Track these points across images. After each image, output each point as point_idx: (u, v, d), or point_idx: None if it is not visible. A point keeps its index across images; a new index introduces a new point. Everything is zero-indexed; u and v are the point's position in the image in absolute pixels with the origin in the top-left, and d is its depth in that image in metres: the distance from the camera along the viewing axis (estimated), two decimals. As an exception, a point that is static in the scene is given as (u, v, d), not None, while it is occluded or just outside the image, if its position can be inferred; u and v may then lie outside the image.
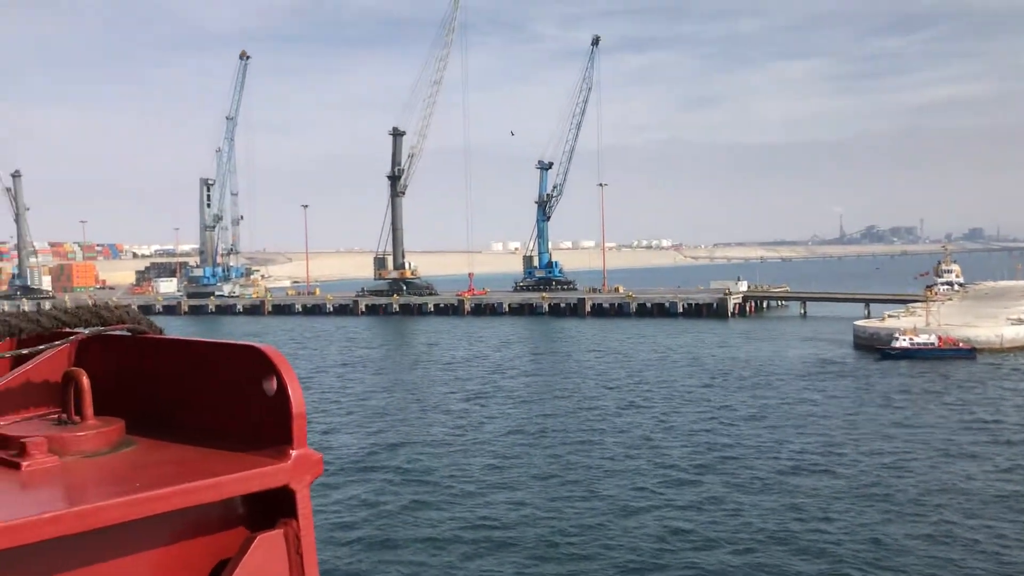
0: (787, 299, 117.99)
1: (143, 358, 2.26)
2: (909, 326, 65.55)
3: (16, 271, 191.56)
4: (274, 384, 1.88)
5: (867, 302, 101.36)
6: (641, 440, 38.01)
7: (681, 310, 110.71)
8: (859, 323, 74.78)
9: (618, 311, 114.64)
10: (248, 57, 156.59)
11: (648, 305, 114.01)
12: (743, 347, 73.66)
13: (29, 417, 2.14)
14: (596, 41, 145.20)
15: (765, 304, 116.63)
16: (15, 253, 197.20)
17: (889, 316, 77.24)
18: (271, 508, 1.87)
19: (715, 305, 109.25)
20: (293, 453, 1.86)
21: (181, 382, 2.14)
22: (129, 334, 2.31)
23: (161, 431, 2.08)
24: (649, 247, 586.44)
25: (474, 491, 30.63)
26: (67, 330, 2.28)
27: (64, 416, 2.01)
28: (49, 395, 2.19)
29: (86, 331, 2.27)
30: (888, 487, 29.93)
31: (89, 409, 2.00)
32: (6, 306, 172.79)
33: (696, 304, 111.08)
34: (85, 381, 2.00)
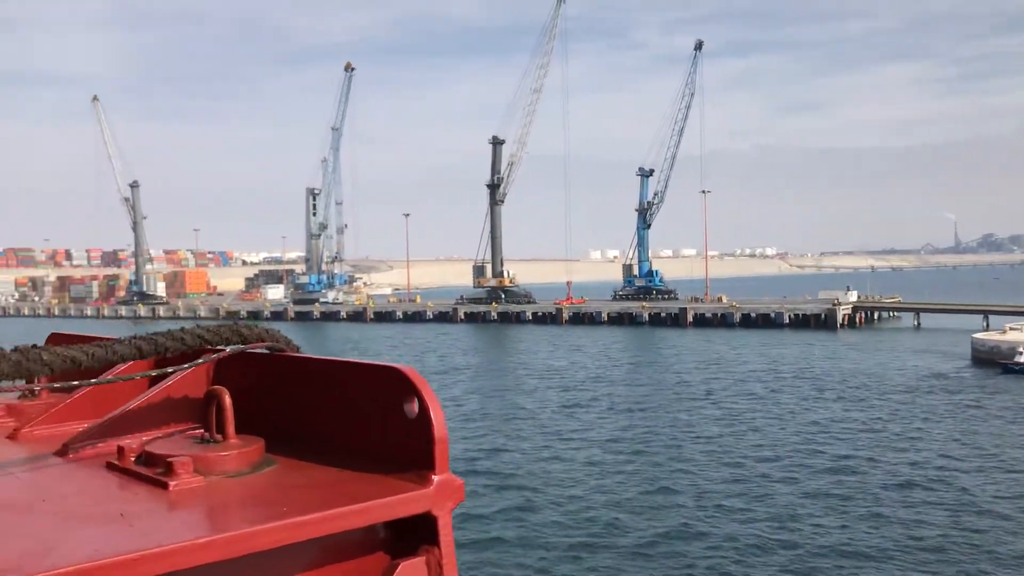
0: (899, 310, 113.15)
1: (282, 376, 2.25)
2: (1036, 340, 61.79)
3: (133, 277, 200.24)
4: (415, 406, 1.85)
5: (986, 314, 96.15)
6: (745, 453, 36.63)
7: (787, 321, 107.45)
8: (978, 336, 70.94)
9: (721, 321, 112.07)
10: (353, 69, 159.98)
11: (752, 315, 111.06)
12: (853, 359, 70.82)
13: (171, 433, 2.16)
14: (699, 46, 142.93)
15: (876, 315, 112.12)
16: (132, 260, 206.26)
17: (1011, 329, 72.99)
18: (412, 534, 1.84)
19: (823, 316, 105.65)
20: (435, 479, 1.83)
21: (320, 401, 2.12)
22: (268, 352, 2.32)
23: (299, 450, 2.07)
24: (753, 255, 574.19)
25: (581, 503, 29.96)
26: (210, 348, 2.29)
27: (206, 434, 2.03)
28: (190, 412, 2.22)
29: (227, 349, 2.28)
30: (1015, 515, 27.93)
31: (231, 428, 2.01)
32: (123, 311, 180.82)
33: (803, 315, 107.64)
34: (227, 400, 2.02)
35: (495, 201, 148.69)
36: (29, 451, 2.17)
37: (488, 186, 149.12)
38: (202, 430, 2.05)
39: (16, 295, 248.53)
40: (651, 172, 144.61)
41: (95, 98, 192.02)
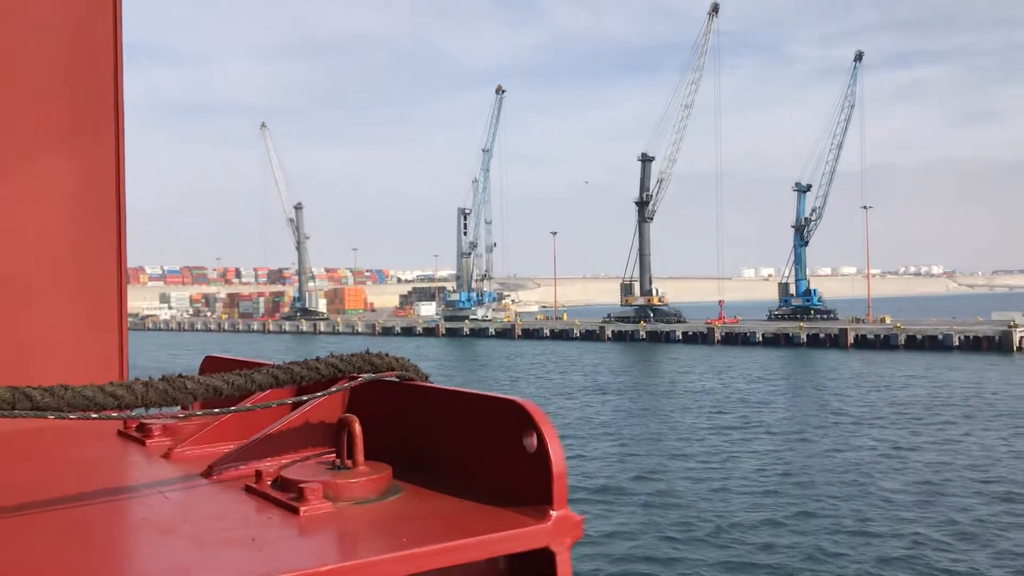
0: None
1: (410, 404, 2.30)
2: None
3: (296, 294, 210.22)
4: (535, 441, 1.84)
5: None
6: (913, 488, 34.43)
7: (956, 343, 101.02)
8: None
9: (884, 343, 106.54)
10: (503, 91, 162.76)
11: (918, 337, 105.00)
12: (1034, 387, 65.66)
13: (306, 458, 2.24)
14: (859, 57, 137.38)
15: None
16: (296, 278, 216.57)
17: None
18: (531, 569, 1.83)
19: (997, 338, 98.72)
20: (553, 514, 1.81)
21: (444, 430, 2.16)
22: (398, 380, 2.39)
23: (424, 478, 2.11)
24: (918, 274, 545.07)
25: (731, 532, 28.96)
26: (343, 376, 2.38)
27: (338, 461, 2.08)
28: (325, 438, 2.30)
29: (360, 377, 2.36)
30: None
31: (360, 455, 2.06)
32: (286, 326, 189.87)
33: (975, 337, 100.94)
34: (357, 428, 2.07)
35: (644, 218, 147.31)
36: (179, 471, 2.30)
37: (636, 203, 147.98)
38: (335, 456, 2.11)
39: (191, 310, 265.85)
40: (808, 187, 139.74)
41: (263, 125, 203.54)
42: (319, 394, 2.32)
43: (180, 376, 2.07)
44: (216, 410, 2.25)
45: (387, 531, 1.82)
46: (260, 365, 2.30)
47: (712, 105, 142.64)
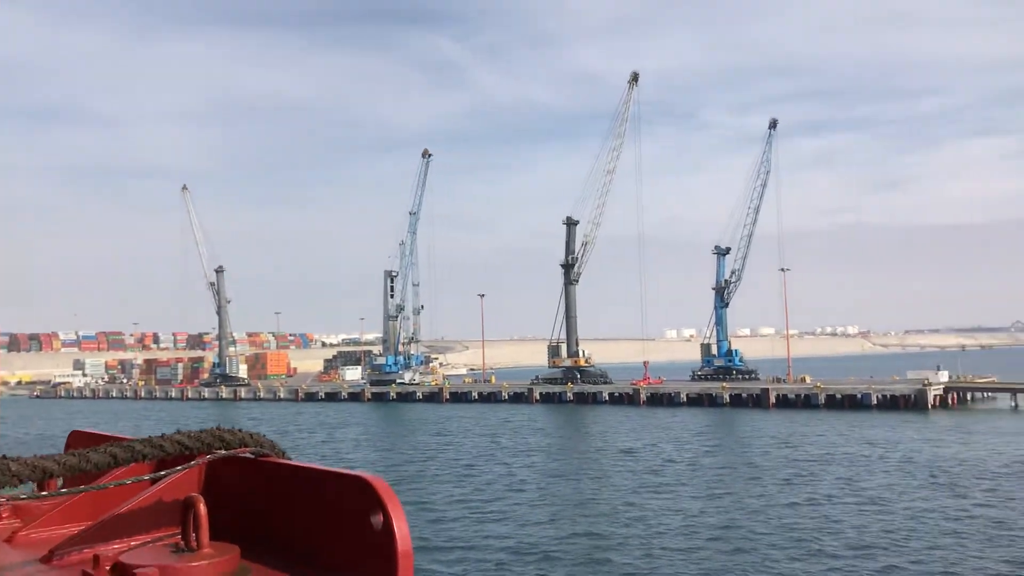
0: (995, 390, 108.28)
1: (262, 482, 2.27)
2: None
3: (216, 360, 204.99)
4: (381, 519, 1.84)
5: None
6: (839, 547, 34.69)
7: (875, 402, 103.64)
8: (1086, 419, 67.08)
9: (805, 402, 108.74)
10: (430, 155, 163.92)
11: (838, 396, 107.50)
12: (948, 444, 67.49)
13: (153, 540, 2.19)
14: (773, 124, 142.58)
15: (969, 396, 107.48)
16: (216, 343, 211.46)
17: (1122, 411, 68.91)
18: None
19: (913, 397, 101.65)
20: None
21: (295, 508, 2.12)
22: (252, 457, 2.35)
23: (275, 559, 2.07)
24: (834, 334, 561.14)
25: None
26: (192, 454, 2.34)
27: (182, 543, 2.03)
28: (174, 518, 2.22)
29: (210, 455, 2.32)
30: None
31: (205, 536, 2.00)
32: (205, 392, 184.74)
33: (891, 395, 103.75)
34: (202, 507, 2.01)
35: (570, 281, 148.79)
36: (20, 555, 2.20)
37: (563, 266, 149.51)
38: (180, 537, 2.05)
39: (106, 377, 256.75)
40: (727, 250, 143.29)
41: (184, 188, 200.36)
42: (165, 473, 2.26)
43: (39, 457, 2.02)
44: (66, 491, 2.20)
45: None
46: (122, 439, 2.26)
47: (634, 170, 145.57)
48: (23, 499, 2.69)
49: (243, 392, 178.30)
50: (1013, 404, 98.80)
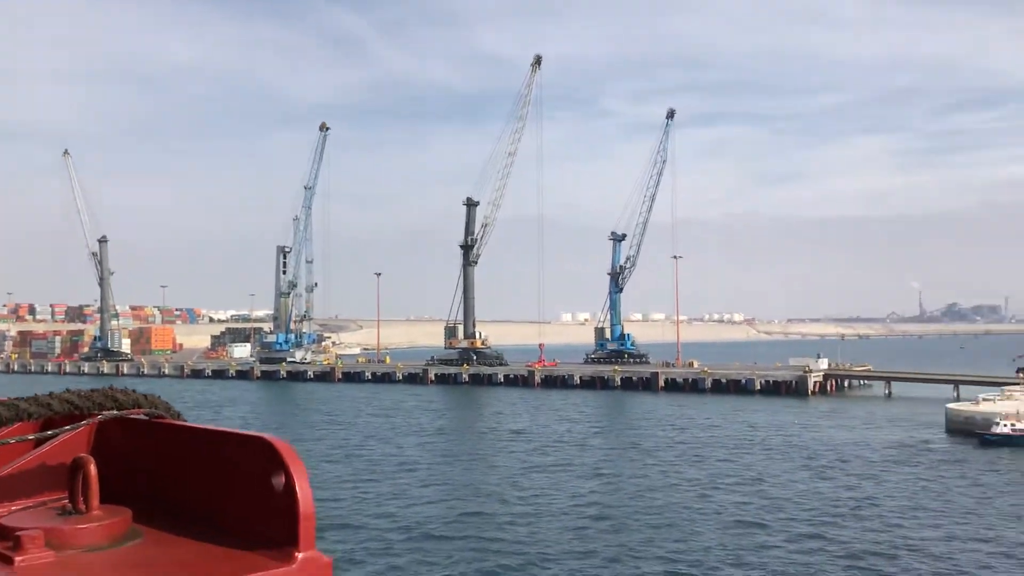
0: (870, 378, 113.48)
1: (157, 444, 2.21)
2: (1010, 410, 61.63)
3: (98, 333, 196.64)
4: (282, 480, 1.80)
5: (956, 383, 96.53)
6: (711, 524, 35.62)
7: (758, 387, 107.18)
8: (952, 406, 70.85)
9: (692, 386, 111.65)
10: (328, 128, 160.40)
11: (724, 381, 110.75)
12: (826, 429, 70.34)
13: (35, 505, 2.11)
14: (671, 114, 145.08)
15: (847, 383, 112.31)
16: (98, 316, 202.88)
17: (984, 399, 73.05)
18: None
19: (794, 383, 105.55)
20: (299, 556, 1.77)
21: (192, 471, 2.07)
22: (145, 418, 2.28)
23: (169, 522, 2.00)
24: (721, 321, 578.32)
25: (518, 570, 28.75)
26: (83, 414, 2.24)
27: (69, 506, 1.95)
28: (61, 481, 2.13)
29: (101, 415, 2.24)
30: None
31: (95, 499, 1.93)
32: (85, 367, 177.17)
33: (774, 381, 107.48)
34: (92, 469, 1.95)
35: (468, 262, 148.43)
36: None
37: (461, 247, 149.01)
38: (68, 500, 1.98)
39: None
40: (623, 237, 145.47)
41: (66, 152, 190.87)
42: (52, 433, 2.16)
43: None
44: None
45: None
46: (4, 400, 2.14)
47: (535, 154, 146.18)
48: None
49: (126, 367, 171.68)
50: (887, 392, 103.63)
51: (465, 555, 31.54)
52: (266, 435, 1.86)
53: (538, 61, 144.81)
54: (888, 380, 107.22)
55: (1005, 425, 58.11)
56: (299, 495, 1.77)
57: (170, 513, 2.03)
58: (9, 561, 1.74)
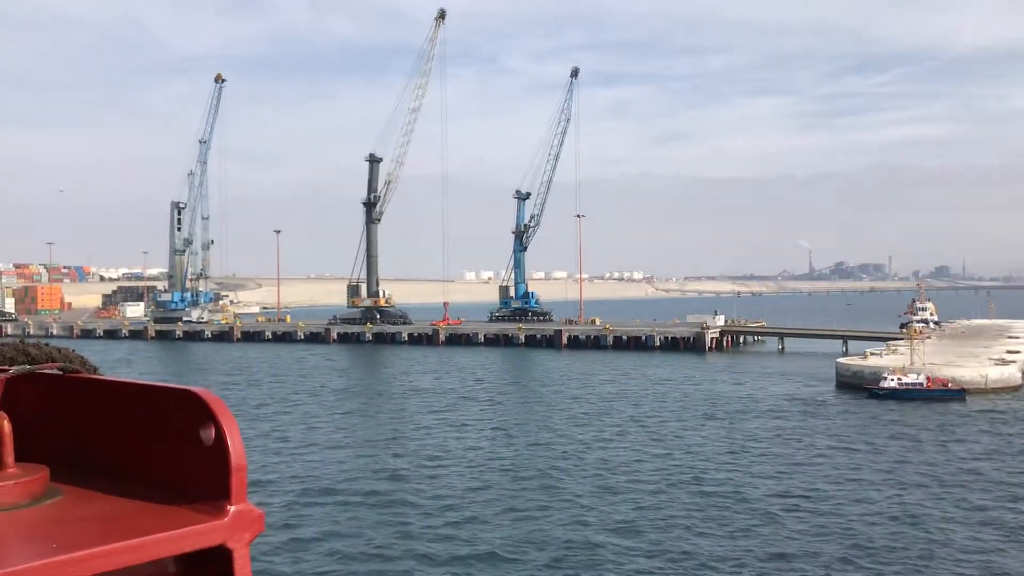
0: (764, 335, 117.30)
1: (74, 399, 2.13)
2: (896, 365, 64.61)
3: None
4: (212, 433, 1.75)
5: (845, 339, 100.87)
6: (611, 476, 36.38)
7: (658, 344, 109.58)
8: (842, 361, 73.90)
9: (595, 343, 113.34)
10: (224, 80, 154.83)
11: (624, 338, 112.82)
12: (722, 383, 72.49)
13: None
14: (575, 73, 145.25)
15: (742, 339, 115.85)
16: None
17: (872, 354, 76.42)
18: (207, 568, 1.76)
19: (692, 339, 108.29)
20: (231, 509, 1.74)
21: (114, 426, 2.01)
22: (60, 373, 2.19)
23: (90, 479, 1.95)
24: (621, 279, 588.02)
25: (435, 527, 28.83)
26: None
27: None
28: None
29: (12, 370, 2.16)
30: (899, 540, 28.52)
31: (9, 457, 1.86)
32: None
33: (673, 338, 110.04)
34: (6, 425, 1.88)
35: (372, 219, 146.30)
36: None
37: (364, 204, 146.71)
38: None
39: None
40: (528, 195, 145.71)
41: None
42: None
43: None
44: None
45: (36, 537, 1.67)
46: None
47: (438, 110, 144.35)
48: None
49: (10, 328, 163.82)
50: (780, 347, 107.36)
51: (373, 509, 31.40)
52: (194, 388, 1.82)
53: (442, 15, 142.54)
54: (781, 336, 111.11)
55: (892, 380, 60.89)
56: (230, 448, 1.74)
57: (91, 470, 1.98)
58: None
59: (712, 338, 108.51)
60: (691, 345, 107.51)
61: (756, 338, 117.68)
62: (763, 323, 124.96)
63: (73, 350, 2.28)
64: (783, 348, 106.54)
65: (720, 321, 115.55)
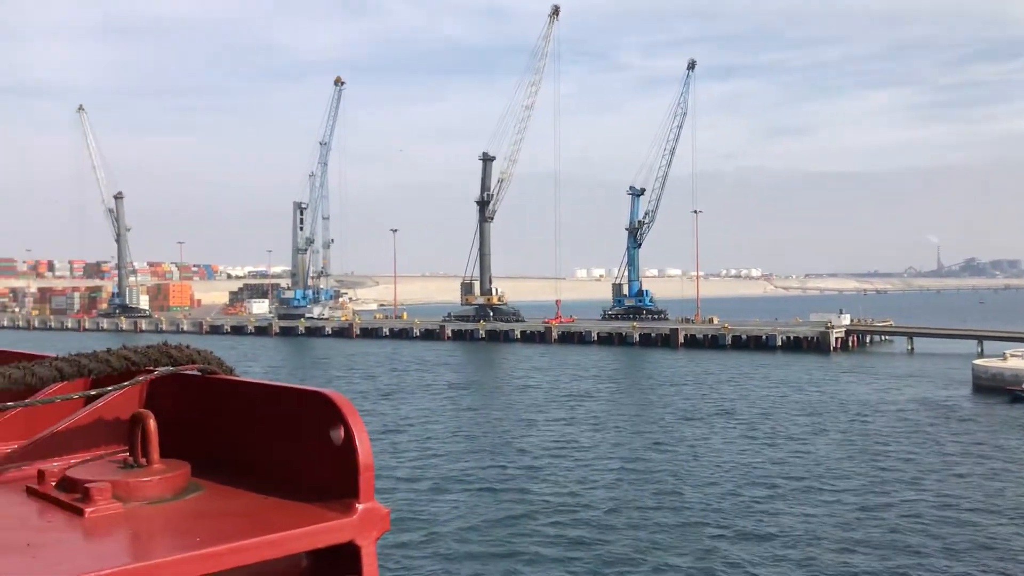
0: (892, 334, 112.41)
1: (212, 399, 2.23)
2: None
3: (116, 290, 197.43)
4: (341, 433, 1.82)
5: (980, 339, 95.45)
6: (734, 484, 35.13)
7: (779, 343, 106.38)
8: (979, 362, 69.90)
9: (712, 343, 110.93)
10: (343, 83, 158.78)
11: (744, 337, 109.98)
12: (851, 385, 69.67)
13: (98, 457, 2.14)
14: (692, 65, 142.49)
15: (868, 339, 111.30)
16: (115, 272, 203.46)
17: (1012, 355, 72.05)
18: (335, 564, 1.81)
19: (816, 339, 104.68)
20: (359, 507, 1.80)
21: (249, 425, 2.10)
22: (199, 374, 2.31)
23: (227, 475, 2.04)
24: (738, 276, 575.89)
25: (548, 532, 28.37)
26: (139, 369, 2.29)
27: (131, 459, 2.00)
28: (118, 435, 2.20)
29: (157, 371, 2.28)
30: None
31: (155, 453, 1.98)
32: (104, 323, 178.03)
33: (795, 337, 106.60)
34: (152, 423, 1.99)
35: (484, 218, 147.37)
36: None
37: (478, 203, 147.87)
38: (128, 454, 2.03)
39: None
40: (642, 191, 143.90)
41: (80, 108, 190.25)
42: (110, 389, 2.20)
43: None
44: (6, 404, 2.09)
45: (180, 531, 1.76)
46: (45, 358, 2.18)
47: (549, 108, 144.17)
48: None
49: (144, 324, 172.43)
50: (909, 347, 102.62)
51: (497, 503, 31.25)
52: (324, 389, 1.89)
53: (556, 11, 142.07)
54: (910, 336, 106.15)
55: (1037, 382, 57.17)
56: (358, 447, 1.81)
57: (227, 467, 2.07)
58: (79, 512, 1.78)
59: (837, 338, 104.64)
60: (815, 345, 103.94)
61: (883, 338, 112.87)
62: (890, 322, 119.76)
63: (211, 351, 2.39)
64: (912, 348, 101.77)
65: (846, 320, 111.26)
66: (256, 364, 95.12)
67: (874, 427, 49.44)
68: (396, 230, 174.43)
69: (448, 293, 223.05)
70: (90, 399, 2.20)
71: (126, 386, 2.21)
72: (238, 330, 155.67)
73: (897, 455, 41.45)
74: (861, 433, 47.61)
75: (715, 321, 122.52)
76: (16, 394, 2.08)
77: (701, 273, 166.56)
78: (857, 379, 74.15)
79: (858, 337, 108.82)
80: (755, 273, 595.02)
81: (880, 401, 59.66)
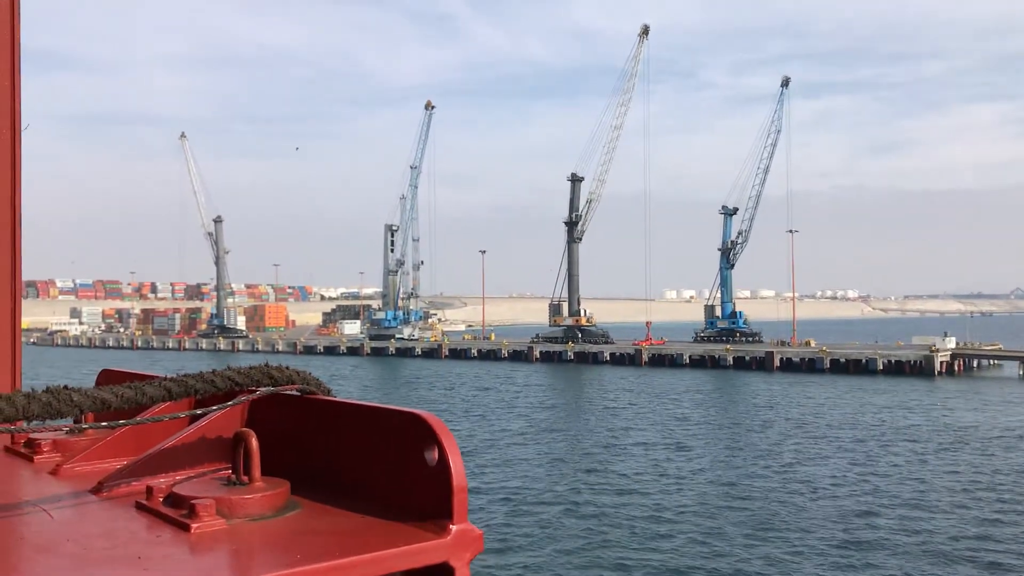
0: (1002, 358, 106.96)
1: (310, 418, 2.29)
2: None
3: (214, 311, 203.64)
4: (436, 454, 1.85)
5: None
6: (839, 518, 33.36)
7: (880, 367, 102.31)
8: (1101, 389, 65.69)
9: (809, 366, 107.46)
10: (433, 107, 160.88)
11: (843, 360, 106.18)
12: (960, 411, 66.25)
13: (201, 474, 2.24)
14: (786, 83, 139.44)
15: (976, 363, 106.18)
16: (214, 294, 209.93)
17: None
18: None
19: (919, 363, 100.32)
20: (453, 528, 1.82)
21: (345, 444, 2.15)
22: (299, 394, 2.37)
23: (325, 494, 2.09)
24: (834, 298, 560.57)
25: (636, 557, 27.27)
26: (241, 389, 2.36)
27: (233, 477, 2.07)
28: (221, 453, 2.28)
29: (259, 391, 2.33)
30: None
31: (257, 471, 2.04)
32: (203, 343, 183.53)
33: (897, 361, 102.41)
34: (254, 442, 2.05)
35: (573, 239, 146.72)
36: (67, 487, 2.25)
37: (566, 223, 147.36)
38: (231, 471, 2.10)
39: (103, 326, 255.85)
40: (735, 211, 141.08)
41: (183, 135, 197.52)
42: (214, 408, 2.27)
43: (66, 388, 2.00)
44: (106, 424, 2.16)
45: (281, 548, 1.79)
46: (154, 378, 2.26)
47: (638, 128, 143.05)
48: (64, 434, 2.73)
49: (241, 344, 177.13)
50: (1021, 372, 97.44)
51: (586, 527, 30.39)
52: (418, 411, 1.93)
53: (645, 31, 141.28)
54: (1022, 360, 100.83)
55: None
56: (452, 469, 1.83)
57: (324, 485, 2.12)
58: (186, 528, 1.85)
59: (942, 362, 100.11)
60: (918, 369, 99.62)
61: (992, 362, 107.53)
62: (999, 346, 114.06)
63: (309, 372, 2.44)
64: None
65: (951, 343, 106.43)
66: (349, 383, 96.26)
67: (992, 453, 46.65)
68: (484, 251, 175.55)
69: (535, 314, 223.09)
70: (195, 418, 2.27)
71: (229, 405, 2.27)
72: (331, 350, 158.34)
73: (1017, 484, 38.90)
74: (981, 460, 44.97)
75: (812, 344, 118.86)
76: (128, 412, 2.19)
77: (796, 294, 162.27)
78: (966, 404, 70.55)
79: (965, 361, 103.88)
80: (851, 294, 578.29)
81: (994, 427, 56.45)
